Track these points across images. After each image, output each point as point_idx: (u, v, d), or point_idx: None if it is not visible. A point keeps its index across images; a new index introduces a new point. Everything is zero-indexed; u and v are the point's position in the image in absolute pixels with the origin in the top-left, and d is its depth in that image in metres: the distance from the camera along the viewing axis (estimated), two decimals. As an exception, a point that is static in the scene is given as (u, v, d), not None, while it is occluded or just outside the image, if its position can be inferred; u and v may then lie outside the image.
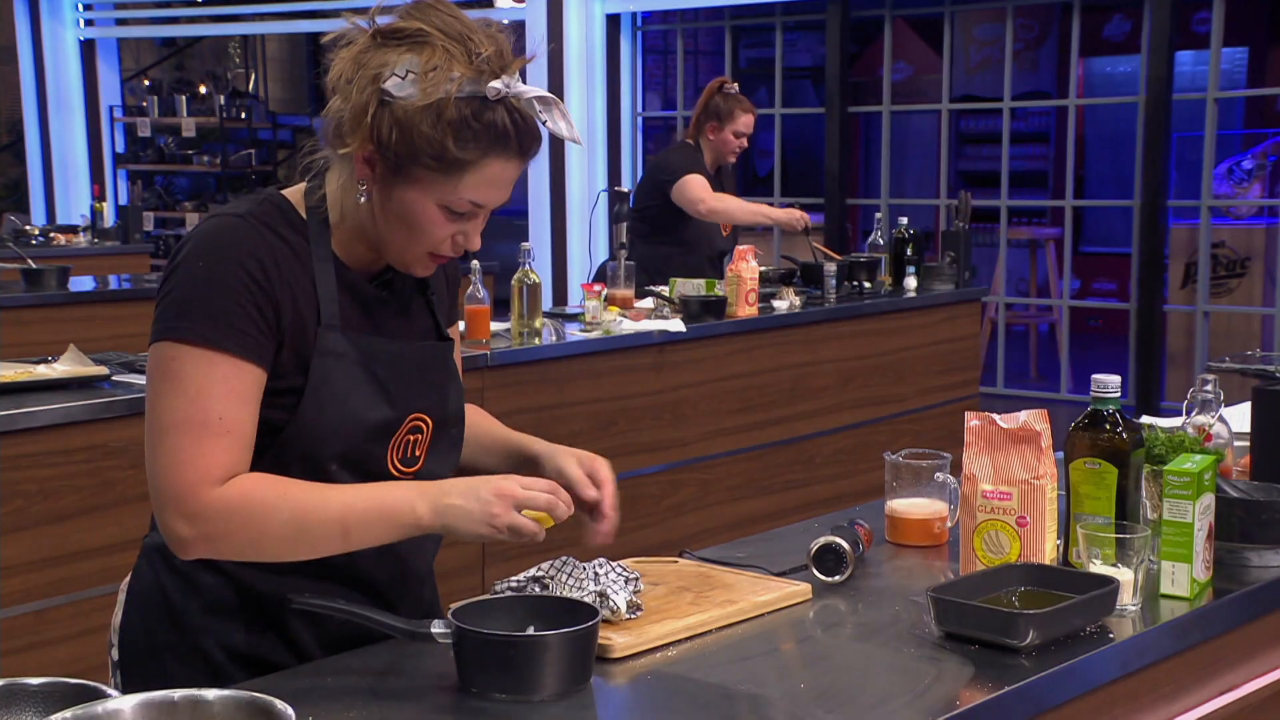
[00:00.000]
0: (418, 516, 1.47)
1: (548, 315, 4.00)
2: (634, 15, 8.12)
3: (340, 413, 1.52)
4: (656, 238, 4.85)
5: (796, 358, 4.60)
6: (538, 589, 1.59)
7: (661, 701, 1.44)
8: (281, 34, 11.32)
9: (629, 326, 4.09)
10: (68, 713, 1.02)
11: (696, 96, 11.34)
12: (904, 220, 5.14)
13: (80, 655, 2.95)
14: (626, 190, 4.54)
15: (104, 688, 1.11)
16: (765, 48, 9.97)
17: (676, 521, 4.23)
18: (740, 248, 4.43)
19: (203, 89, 10.95)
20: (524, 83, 1.50)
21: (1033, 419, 1.75)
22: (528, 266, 3.83)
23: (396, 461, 1.59)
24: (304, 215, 1.56)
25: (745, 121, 4.98)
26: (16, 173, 10.73)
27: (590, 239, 6.84)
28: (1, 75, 10.58)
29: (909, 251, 5.06)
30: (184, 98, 10.61)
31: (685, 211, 4.81)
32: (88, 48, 10.02)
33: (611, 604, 1.56)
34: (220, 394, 1.45)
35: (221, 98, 10.63)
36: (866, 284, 4.92)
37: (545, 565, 1.62)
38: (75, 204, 9.69)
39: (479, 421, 1.77)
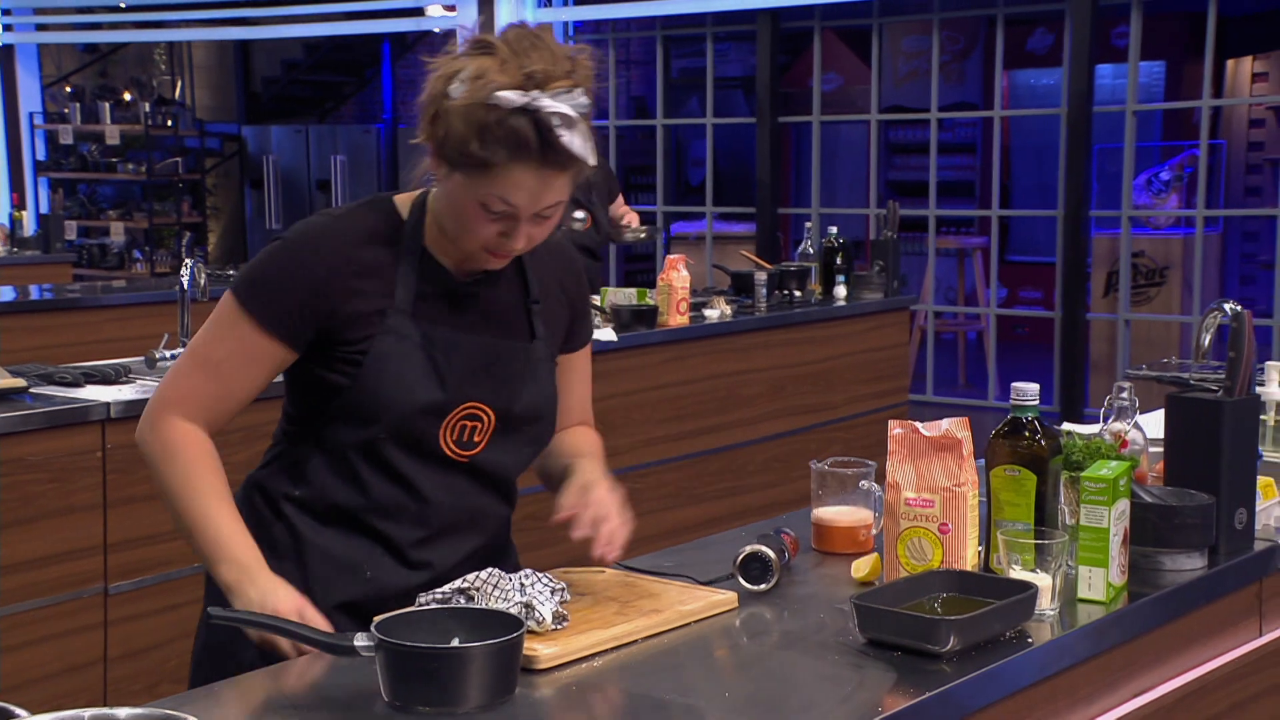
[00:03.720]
0: (220, 574, 1.63)
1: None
2: (565, 25, 8.13)
3: (393, 387, 1.66)
4: None
5: (728, 366, 4.62)
6: (463, 600, 1.59)
7: (588, 712, 1.45)
8: (207, 41, 11.17)
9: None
10: (-21, 734, 1.01)
11: (629, 106, 11.32)
12: (834, 229, 5.19)
13: (-1, 673, 2.89)
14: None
15: (12, 708, 1.09)
16: (697, 58, 10.01)
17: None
18: (671, 256, 4.45)
19: (127, 96, 10.77)
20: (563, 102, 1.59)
21: (954, 427, 1.78)
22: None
23: (450, 443, 1.70)
24: (404, 215, 1.72)
25: None
26: (-66, 180, 10.49)
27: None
28: (-83, 81, 10.34)
29: (839, 260, 5.11)
30: (108, 104, 10.44)
31: None
32: (6, 52, 9.83)
33: (537, 615, 1.56)
34: (231, 347, 1.67)
35: (147, 105, 10.47)
36: (797, 293, 4.96)
37: (471, 576, 1.62)
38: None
39: (578, 447, 1.89)
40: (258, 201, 11.43)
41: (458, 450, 1.71)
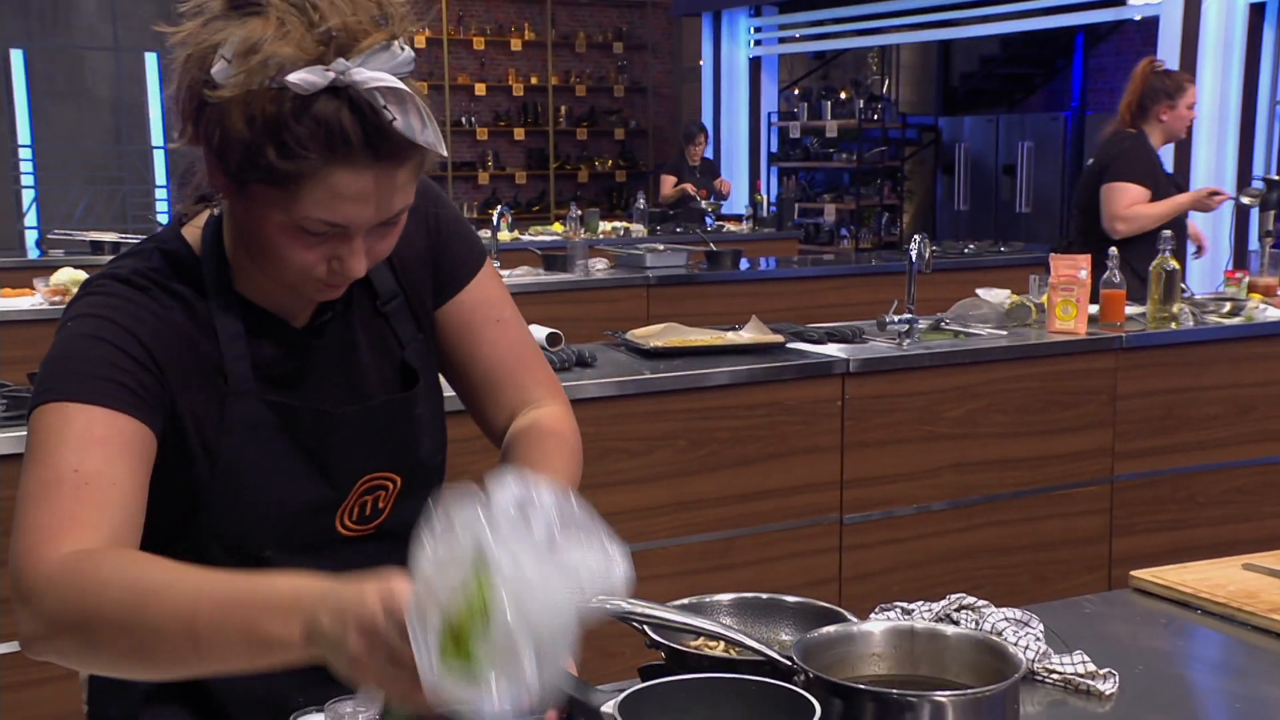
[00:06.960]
0: (289, 633, 0.91)
1: (1185, 301, 3.67)
2: None
3: (265, 499, 1.15)
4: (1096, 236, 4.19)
5: None
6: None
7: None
8: (915, 43, 11.35)
9: (1272, 314, 3.66)
10: (831, 629, 1.07)
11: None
12: None
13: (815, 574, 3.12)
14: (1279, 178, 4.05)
15: (845, 613, 1.14)
16: None
17: (1316, 514, 3.73)
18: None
19: (844, 95, 11.26)
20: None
21: None
22: (1166, 253, 3.53)
23: (349, 523, 1.22)
24: (198, 252, 1.17)
25: (1194, 93, 4.44)
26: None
27: (1232, 225, 6.20)
28: (689, 92, 11.55)
29: None
30: (829, 103, 10.98)
31: None
32: (754, 64, 10.68)
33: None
34: (75, 445, 1.05)
35: (860, 102, 10.87)
36: None
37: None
38: (738, 196, 10.40)
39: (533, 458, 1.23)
40: (947, 186, 11.46)
41: (356, 527, 1.21)
